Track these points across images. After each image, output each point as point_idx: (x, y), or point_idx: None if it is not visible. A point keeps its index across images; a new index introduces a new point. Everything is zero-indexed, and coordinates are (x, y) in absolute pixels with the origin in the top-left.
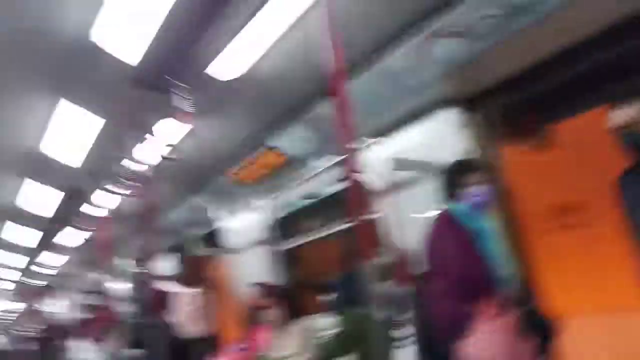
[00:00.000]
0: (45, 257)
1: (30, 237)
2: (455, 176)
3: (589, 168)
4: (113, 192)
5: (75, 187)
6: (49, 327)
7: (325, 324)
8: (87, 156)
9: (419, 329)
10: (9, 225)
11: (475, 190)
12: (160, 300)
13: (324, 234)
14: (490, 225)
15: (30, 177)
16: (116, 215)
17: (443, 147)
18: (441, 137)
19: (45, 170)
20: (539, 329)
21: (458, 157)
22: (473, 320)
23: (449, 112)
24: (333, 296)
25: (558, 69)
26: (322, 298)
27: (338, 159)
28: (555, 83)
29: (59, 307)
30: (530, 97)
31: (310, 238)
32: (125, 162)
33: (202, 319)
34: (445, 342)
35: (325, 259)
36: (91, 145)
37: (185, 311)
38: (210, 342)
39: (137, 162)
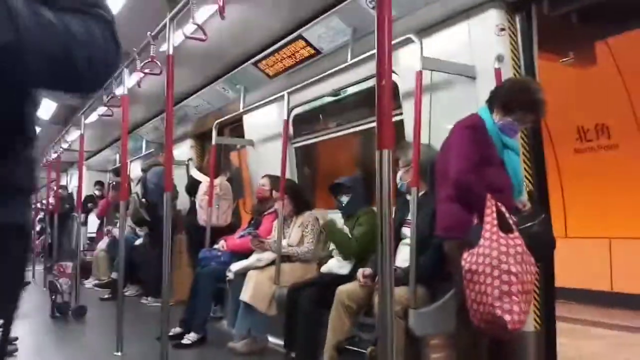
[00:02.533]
0: (65, 132)
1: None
2: (509, 97)
3: (630, 90)
4: (135, 70)
5: None
6: (67, 201)
7: (333, 219)
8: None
9: (422, 228)
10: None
11: (515, 126)
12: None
13: (344, 132)
14: (513, 143)
15: None
16: (135, 94)
17: (482, 51)
18: (481, 40)
19: None
20: (543, 247)
21: (524, 79)
22: (475, 226)
23: (491, 14)
24: (347, 195)
25: None
26: (337, 196)
27: (369, 54)
28: None
29: (73, 182)
30: (579, 8)
31: (330, 136)
32: (148, 39)
33: (220, 208)
34: (443, 241)
35: (343, 158)
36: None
37: (205, 199)
38: (226, 231)
39: (160, 40)
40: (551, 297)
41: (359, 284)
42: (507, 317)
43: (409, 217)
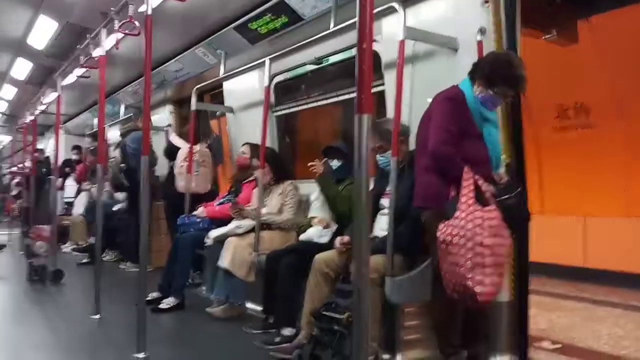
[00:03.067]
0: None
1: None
2: (492, 70)
3: (611, 69)
4: (112, 31)
5: (77, 23)
6: (44, 165)
7: (312, 190)
8: None
9: (400, 198)
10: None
11: (496, 99)
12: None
13: (326, 102)
14: (493, 116)
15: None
16: (113, 57)
17: (465, 23)
18: (464, 12)
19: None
20: (518, 220)
21: (507, 53)
22: (452, 198)
23: None
24: (339, 160)
25: None
26: (325, 163)
27: (352, 22)
28: None
29: (50, 146)
30: None
31: (312, 105)
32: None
33: (200, 175)
34: (420, 211)
35: (324, 128)
36: None
37: (184, 165)
38: (205, 198)
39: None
40: (524, 269)
41: (337, 250)
42: (477, 289)
43: (388, 188)
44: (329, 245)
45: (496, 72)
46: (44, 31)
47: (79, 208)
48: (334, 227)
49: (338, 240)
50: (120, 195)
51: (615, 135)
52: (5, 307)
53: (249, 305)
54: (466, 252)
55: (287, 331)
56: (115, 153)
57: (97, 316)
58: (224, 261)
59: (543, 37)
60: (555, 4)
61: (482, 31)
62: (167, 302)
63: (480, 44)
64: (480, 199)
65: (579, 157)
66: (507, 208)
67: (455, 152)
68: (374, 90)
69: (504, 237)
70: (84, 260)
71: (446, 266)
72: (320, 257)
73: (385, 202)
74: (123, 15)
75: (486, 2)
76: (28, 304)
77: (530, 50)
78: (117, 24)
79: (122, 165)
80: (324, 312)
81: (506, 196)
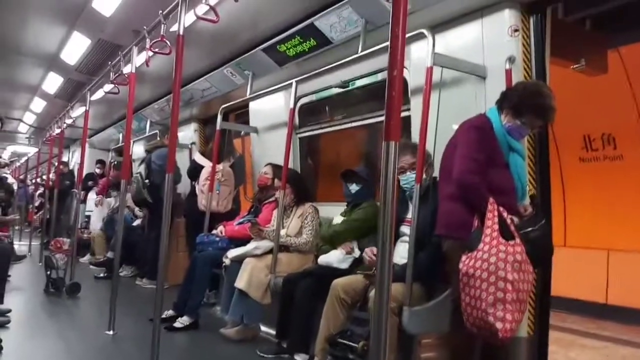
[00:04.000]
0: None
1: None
2: (521, 100)
3: (637, 101)
4: (143, 49)
5: (109, 40)
6: (67, 178)
7: (333, 213)
8: (123, 8)
9: (422, 226)
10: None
11: (523, 129)
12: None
13: (350, 125)
14: (519, 146)
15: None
16: (142, 74)
17: (493, 51)
18: (493, 40)
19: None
20: (542, 253)
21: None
22: (476, 229)
23: (505, 14)
24: (358, 185)
25: None
26: (347, 184)
27: (380, 47)
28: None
29: (75, 159)
30: (594, 14)
31: (335, 128)
32: (159, 18)
33: (221, 194)
34: (442, 240)
35: (347, 152)
36: None
37: (207, 184)
38: (225, 217)
39: (170, 19)
40: (546, 304)
41: (367, 260)
42: (498, 325)
43: (409, 215)
44: (347, 271)
45: (525, 102)
46: (76, 47)
47: (96, 223)
48: (357, 253)
49: (368, 251)
50: (140, 212)
51: None
52: (21, 317)
53: (264, 328)
54: (488, 287)
55: (301, 357)
56: (140, 168)
57: (112, 331)
58: (241, 282)
59: (572, 67)
60: (584, 33)
61: (511, 60)
62: (182, 321)
63: (509, 72)
64: (504, 231)
65: (604, 188)
66: (531, 241)
67: (481, 182)
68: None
69: (527, 272)
70: (101, 275)
71: (467, 299)
72: (338, 282)
73: (405, 229)
74: (155, 34)
75: (515, 30)
76: (44, 315)
77: (558, 79)
78: (148, 42)
79: (146, 181)
80: (339, 339)
81: (530, 229)
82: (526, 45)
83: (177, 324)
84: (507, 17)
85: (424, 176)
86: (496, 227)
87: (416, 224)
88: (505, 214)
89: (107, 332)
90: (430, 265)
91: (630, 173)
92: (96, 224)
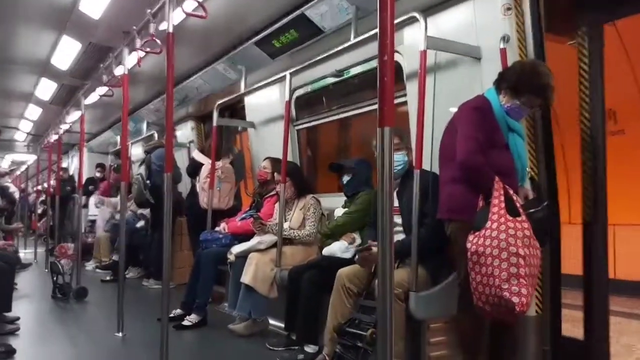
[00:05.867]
0: (66, 113)
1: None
2: (519, 79)
3: (636, 76)
4: (134, 50)
5: (99, 43)
6: (68, 184)
7: (335, 203)
8: (111, 9)
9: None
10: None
11: (522, 109)
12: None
13: (347, 114)
14: (519, 126)
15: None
16: (135, 74)
17: (487, 31)
18: (487, 20)
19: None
20: (547, 233)
21: (533, 62)
22: (481, 208)
23: None
24: (349, 175)
25: None
26: (340, 176)
27: (372, 33)
28: None
29: (74, 165)
30: None
31: (332, 118)
32: (148, 17)
33: (222, 190)
34: (445, 224)
35: (345, 141)
36: None
37: (207, 181)
38: (227, 213)
39: (159, 18)
40: (557, 283)
41: (361, 261)
42: (515, 299)
43: (395, 204)
44: (351, 260)
45: (522, 81)
46: (67, 52)
47: (101, 225)
48: (359, 241)
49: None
50: (143, 212)
51: None
52: (30, 324)
53: (272, 321)
54: (500, 263)
55: (310, 348)
56: (140, 170)
57: (120, 334)
58: (246, 277)
59: (568, 43)
60: (580, 8)
61: (505, 39)
62: (190, 319)
63: (503, 52)
64: (510, 209)
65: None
66: (535, 221)
67: (485, 162)
68: (396, 101)
69: (535, 247)
70: (108, 278)
71: (479, 278)
72: (343, 272)
73: (397, 219)
74: (145, 34)
75: (508, 9)
76: (52, 321)
77: (555, 56)
78: (139, 43)
79: (147, 182)
80: (347, 329)
81: (533, 210)
82: (520, 23)
83: (185, 323)
84: None
85: (405, 159)
86: (503, 204)
87: (409, 208)
88: (510, 191)
89: (116, 334)
90: (428, 245)
91: (631, 147)
92: (101, 226)
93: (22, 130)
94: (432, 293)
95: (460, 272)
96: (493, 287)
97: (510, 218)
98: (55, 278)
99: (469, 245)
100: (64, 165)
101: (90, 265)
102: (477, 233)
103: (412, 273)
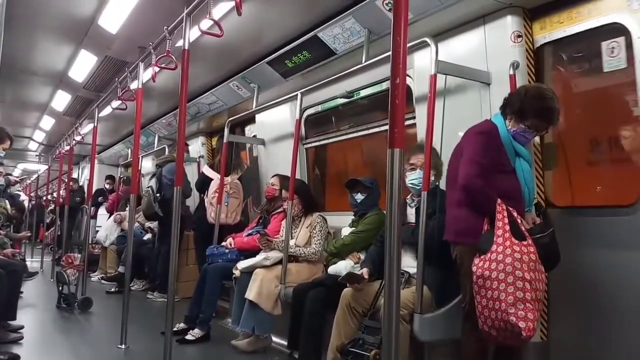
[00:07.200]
0: (79, 124)
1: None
2: (523, 103)
3: None
4: (150, 65)
5: (115, 57)
6: (77, 194)
7: (341, 222)
8: (128, 25)
9: (430, 233)
10: (59, 93)
11: (528, 133)
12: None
13: (356, 135)
14: (525, 151)
15: (84, 48)
16: (149, 89)
17: (497, 57)
18: (497, 46)
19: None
20: (553, 258)
21: (537, 86)
22: (486, 232)
23: (508, 21)
24: (363, 194)
25: None
26: (352, 193)
27: (384, 56)
28: None
29: (84, 176)
30: None
31: (341, 138)
32: (164, 34)
33: (230, 206)
34: (452, 247)
35: (354, 161)
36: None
37: (215, 196)
38: (234, 229)
39: (176, 35)
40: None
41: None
42: (522, 324)
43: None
44: None
45: (527, 105)
46: (84, 65)
47: (103, 236)
48: None
49: (365, 273)
50: (150, 225)
51: None
52: (34, 333)
53: (275, 338)
54: (507, 287)
55: None
56: (151, 182)
57: (123, 346)
58: (251, 293)
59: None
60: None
61: (514, 65)
62: (193, 334)
63: (513, 78)
64: (515, 232)
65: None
66: (542, 246)
67: (486, 185)
68: (405, 123)
69: (541, 272)
70: (113, 289)
71: (484, 302)
72: (348, 291)
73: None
74: (160, 50)
75: (519, 37)
76: (56, 331)
77: (564, 83)
78: (154, 58)
79: (158, 195)
80: (350, 349)
81: (539, 235)
82: (530, 50)
83: (188, 337)
84: (509, 23)
85: (432, 179)
86: (507, 227)
87: (424, 230)
88: (514, 214)
89: (119, 346)
90: (439, 235)
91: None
92: (103, 237)
93: (35, 140)
94: (436, 315)
95: (466, 295)
96: (499, 312)
97: (516, 242)
98: (60, 288)
99: (474, 268)
100: (74, 175)
101: (95, 276)
102: (482, 257)
103: (417, 294)
